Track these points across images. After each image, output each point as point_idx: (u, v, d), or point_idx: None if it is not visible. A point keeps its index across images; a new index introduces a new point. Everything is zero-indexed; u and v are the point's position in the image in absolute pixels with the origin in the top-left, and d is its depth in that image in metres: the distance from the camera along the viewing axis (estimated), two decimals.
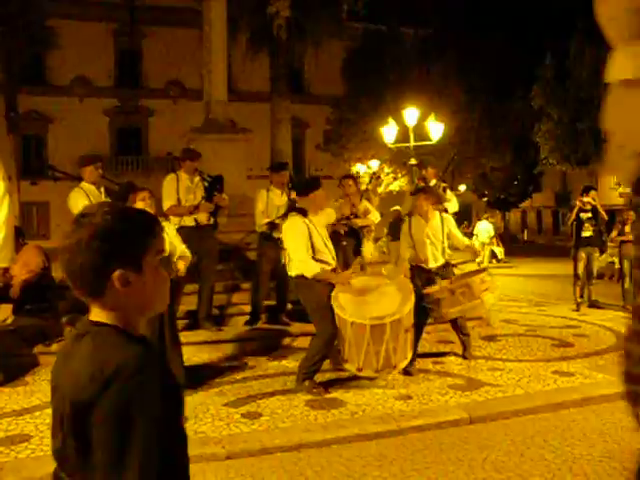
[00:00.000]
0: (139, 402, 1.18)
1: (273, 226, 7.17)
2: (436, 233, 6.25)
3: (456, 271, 6.22)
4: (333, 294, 5.13)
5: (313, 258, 5.28)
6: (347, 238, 7.16)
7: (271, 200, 7.32)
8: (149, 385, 1.21)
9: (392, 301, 5.19)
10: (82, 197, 6.41)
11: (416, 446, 4.22)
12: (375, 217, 7.44)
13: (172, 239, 5.38)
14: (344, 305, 5.08)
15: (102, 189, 6.78)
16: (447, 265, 6.34)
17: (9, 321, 6.54)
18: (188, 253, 5.62)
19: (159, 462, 1.19)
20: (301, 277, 5.30)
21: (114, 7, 29.34)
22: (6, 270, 5.33)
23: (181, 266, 5.39)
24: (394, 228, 7.51)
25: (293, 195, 7.39)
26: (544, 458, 3.94)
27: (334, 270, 5.40)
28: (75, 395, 1.21)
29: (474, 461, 3.91)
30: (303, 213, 5.46)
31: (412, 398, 5.05)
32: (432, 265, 6.20)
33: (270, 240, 7.20)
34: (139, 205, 5.09)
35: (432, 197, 6.41)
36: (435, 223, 6.30)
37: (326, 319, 5.19)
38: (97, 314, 1.33)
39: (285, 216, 7.08)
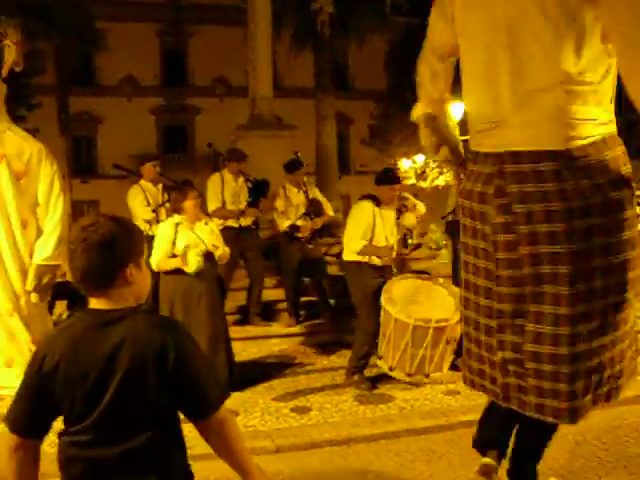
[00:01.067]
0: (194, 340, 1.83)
1: (295, 228, 7.15)
2: None
3: None
4: (386, 287, 5.12)
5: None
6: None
7: (289, 199, 7.30)
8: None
9: (442, 307, 5.13)
10: (139, 194, 6.80)
11: (464, 441, 4.17)
12: (422, 207, 7.33)
13: (206, 236, 5.15)
14: (395, 299, 5.05)
15: (160, 186, 6.99)
16: None
17: (64, 316, 6.75)
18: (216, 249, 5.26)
19: None
20: (352, 263, 5.34)
21: (160, 7, 29.73)
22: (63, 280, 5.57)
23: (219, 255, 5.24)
24: (452, 227, 7.30)
25: (311, 194, 7.37)
26: (596, 456, 3.88)
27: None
28: (158, 351, 1.67)
29: None
30: (375, 200, 5.45)
31: (460, 394, 5.02)
32: None
33: (293, 240, 7.19)
34: (189, 205, 5.09)
35: None
36: None
37: (371, 314, 5.23)
38: (103, 303, 1.74)
39: (307, 214, 7.14)
